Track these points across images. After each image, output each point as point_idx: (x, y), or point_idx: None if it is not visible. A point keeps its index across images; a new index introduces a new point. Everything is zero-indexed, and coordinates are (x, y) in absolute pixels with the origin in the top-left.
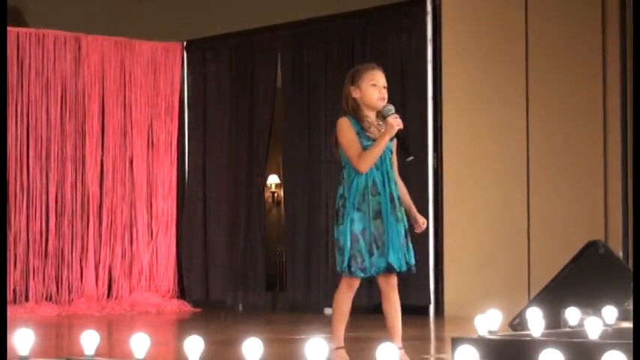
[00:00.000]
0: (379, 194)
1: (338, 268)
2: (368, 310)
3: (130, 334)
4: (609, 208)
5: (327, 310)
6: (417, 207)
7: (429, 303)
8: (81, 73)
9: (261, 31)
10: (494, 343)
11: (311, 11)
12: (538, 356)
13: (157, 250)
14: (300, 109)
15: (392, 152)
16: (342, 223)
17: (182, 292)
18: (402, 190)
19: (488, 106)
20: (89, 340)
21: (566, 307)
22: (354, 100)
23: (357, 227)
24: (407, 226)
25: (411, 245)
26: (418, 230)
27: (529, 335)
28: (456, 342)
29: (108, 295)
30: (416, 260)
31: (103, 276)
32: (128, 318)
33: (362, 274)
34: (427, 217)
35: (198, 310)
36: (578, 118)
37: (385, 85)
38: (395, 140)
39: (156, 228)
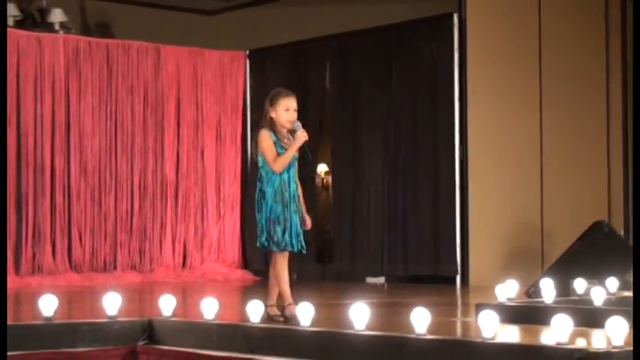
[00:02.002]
0: (287, 191)
1: (257, 244)
2: (403, 280)
3: (201, 298)
4: (612, 194)
5: (369, 279)
6: (445, 191)
7: (457, 274)
8: (160, 78)
9: (312, 42)
10: (512, 308)
11: (355, 24)
12: (550, 320)
13: (224, 227)
14: (346, 107)
15: (296, 161)
16: (261, 211)
17: (245, 263)
18: (299, 190)
19: (507, 105)
20: (167, 302)
21: (574, 278)
22: (271, 118)
23: (274, 214)
24: (300, 217)
25: (302, 230)
26: (306, 227)
27: (542, 302)
28: (479, 307)
29: (183, 265)
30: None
31: (179, 249)
32: (199, 285)
33: (276, 249)
34: (454, 200)
35: (258, 278)
36: (585, 115)
37: (295, 108)
38: (299, 150)
39: (223, 208)
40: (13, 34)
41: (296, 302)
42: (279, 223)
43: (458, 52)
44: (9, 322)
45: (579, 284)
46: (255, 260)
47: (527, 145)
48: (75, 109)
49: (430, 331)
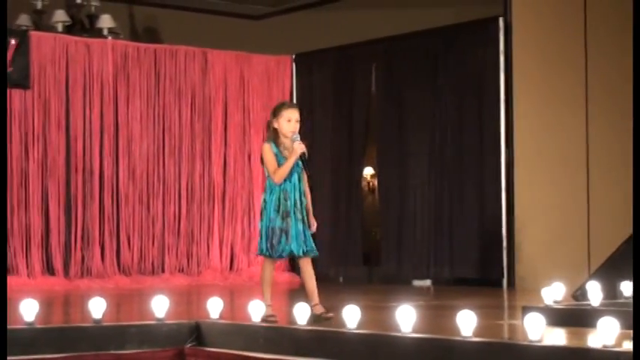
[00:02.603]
0: (288, 200)
1: (258, 252)
2: (449, 283)
3: (248, 300)
4: None
5: (416, 282)
6: (491, 193)
7: (503, 276)
8: (207, 82)
9: (358, 46)
10: (558, 311)
11: (401, 28)
12: (597, 323)
13: None
14: (391, 110)
15: (302, 169)
16: (263, 219)
17: (292, 266)
18: (307, 197)
19: (553, 108)
20: (214, 305)
21: (621, 280)
22: (274, 129)
23: (274, 223)
24: (306, 223)
25: (309, 235)
26: (312, 230)
27: (589, 305)
28: (525, 310)
29: (230, 268)
30: (316, 246)
31: (226, 252)
32: (247, 287)
33: (274, 256)
34: (500, 203)
35: None
36: (627, 115)
37: (297, 119)
38: (301, 161)
39: None
40: (63, 40)
41: (322, 304)
42: (277, 232)
43: (503, 56)
44: (59, 323)
45: (626, 287)
46: None
47: (574, 148)
48: (123, 114)
49: (476, 333)
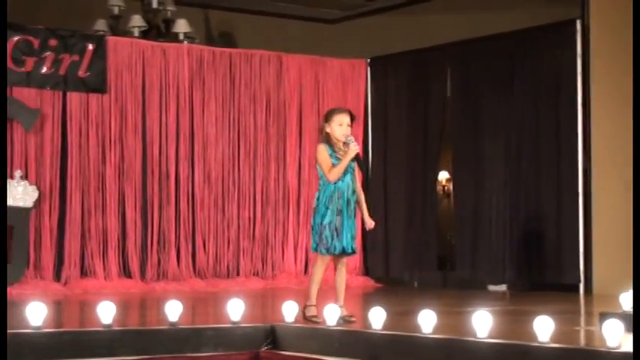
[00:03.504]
0: (341, 198)
1: (311, 247)
2: (525, 288)
3: (323, 304)
4: None
5: (492, 287)
6: (568, 198)
7: (579, 282)
8: (282, 86)
9: (433, 49)
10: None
11: (476, 32)
12: None
13: None
14: (467, 114)
15: (354, 170)
16: (315, 217)
17: (366, 270)
18: (360, 197)
19: (631, 112)
20: (289, 308)
21: None
22: (327, 132)
23: (326, 220)
24: (354, 221)
25: (354, 236)
26: (368, 227)
27: None
28: (603, 316)
29: (304, 272)
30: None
31: (301, 255)
32: (321, 292)
33: (325, 252)
34: (577, 208)
35: (379, 285)
36: None
37: (349, 123)
38: (355, 161)
39: None
40: (139, 45)
41: (346, 307)
42: (329, 229)
43: (581, 59)
44: (135, 326)
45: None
46: (376, 267)
47: None
48: (199, 118)
49: (553, 339)
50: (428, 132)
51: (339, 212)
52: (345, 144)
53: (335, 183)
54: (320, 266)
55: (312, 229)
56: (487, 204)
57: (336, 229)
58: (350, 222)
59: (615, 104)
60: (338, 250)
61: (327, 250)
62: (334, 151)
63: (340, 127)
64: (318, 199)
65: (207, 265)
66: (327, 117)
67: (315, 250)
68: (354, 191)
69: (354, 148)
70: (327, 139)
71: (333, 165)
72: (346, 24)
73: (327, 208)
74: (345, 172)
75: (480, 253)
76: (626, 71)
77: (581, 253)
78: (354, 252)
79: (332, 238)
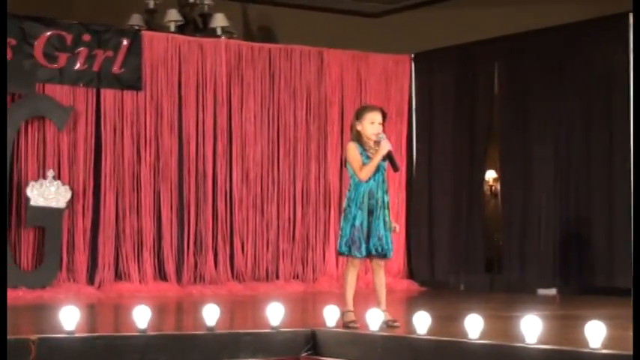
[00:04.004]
0: (373, 198)
1: (338, 250)
2: (576, 292)
3: (365, 309)
4: None
5: (541, 291)
6: (620, 199)
7: (632, 285)
8: (323, 82)
9: (480, 44)
10: None
11: (524, 25)
12: None
13: None
14: (515, 112)
15: (385, 169)
16: (346, 218)
17: (410, 273)
18: (387, 198)
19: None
20: (331, 313)
21: None
22: (358, 131)
23: (358, 221)
24: (388, 224)
25: (389, 236)
26: (395, 231)
27: None
28: None
29: None
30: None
31: (342, 258)
32: (363, 295)
33: (359, 255)
34: (629, 209)
35: (424, 288)
36: None
37: (380, 122)
38: (386, 160)
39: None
40: (175, 40)
41: (389, 311)
42: (361, 231)
43: (634, 54)
44: (171, 330)
45: None
46: (421, 270)
47: None
48: (237, 116)
49: (605, 345)
50: (474, 130)
51: (370, 213)
52: (376, 142)
53: (366, 182)
54: (351, 270)
55: (341, 230)
56: (536, 204)
57: (367, 231)
58: (380, 222)
59: None
60: (366, 253)
61: (359, 252)
62: (365, 149)
63: (372, 125)
64: (348, 199)
65: (245, 268)
66: (358, 115)
67: (345, 253)
68: (385, 191)
69: (386, 146)
70: (358, 138)
71: (364, 164)
72: (389, 18)
73: (358, 209)
74: (376, 172)
75: (529, 255)
76: None
77: (634, 256)
78: (384, 254)
79: (366, 241)
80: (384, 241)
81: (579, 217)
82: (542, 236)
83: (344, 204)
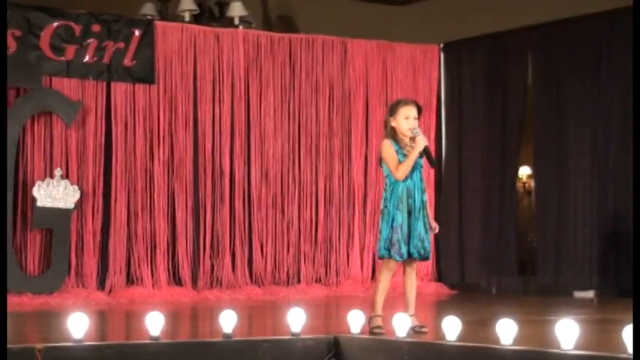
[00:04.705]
0: (411, 198)
1: (378, 254)
2: (614, 294)
3: (392, 313)
4: None
5: (577, 294)
6: None
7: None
8: (347, 74)
9: (512, 33)
10: None
11: (559, 12)
12: None
13: None
14: (550, 104)
15: (422, 166)
16: (384, 220)
17: (439, 275)
18: (425, 197)
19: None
20: (355, 318)
21: None
22: (392, 127)
23: (397, 222)
24: (427, 224)
25: (428, 237)
26: (435, 231)
27: None
28: None
29: (372, 278)
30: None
31: (368, 260)
32: (389, 299)
33: (399, 258)
34: None
35: (454, 292)
36: None
37: (416, 116)
38: (423, 156)
39: None
40: (190, 30)
41: (417, 316)
42: (401, 232)
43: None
44: (186, 338)
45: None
46: (450, 273)
47: None
48: (255, 110)
49: None
50: (506, 123)
51: (410, 213)
52: (412, 138)
53: (403, 181)
54: (387, 274)
55: (380, 233)
56: (572, 202)
57: (408, 233)
58: (420, 223)
59: None
60: (407, 256)
61: (400, 255)
62: (400, 147)
63: (407, 120)
64: (385, 199)
65: (264, 272)
66: (392, 110)
67: (385, 256)
68: (423, 190)
69: (422, 141)
70: (393, 134)
71: (400, 162)
72: (417, 5)
73: (397, 209)
74: (413, 169)
75: (565, 256)
76: None
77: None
78: (426, 256)
79: (403, 243)
80: (425, 243)
81: (617, 215)
82: (578, 236)
83: (381, 205)
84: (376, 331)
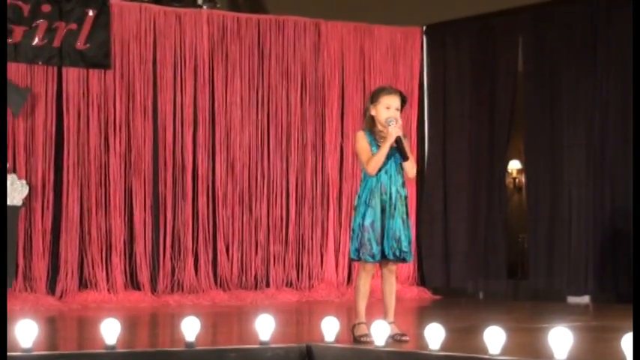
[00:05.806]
0: (385, 193)
1: (350, 256)
2: (611, 300)
3: (370, 321)
4: None
5: (571, 299)
6: None
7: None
8: (320, 59)
9: (501, 15)
10: None
11: None
12: None
13: None
14: (543, 93)
15: (399, 160)
16: (355, 217)
17: (422, 279)
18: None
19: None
20: (329, 325)
21: None
22: (371, 116)
23: (367, 221)
24: (406, 222)
25: (408, 236)
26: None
27: None
28: None
29: (347, 282)
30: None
31: (343, 262)
32: (368, 304)
33: (371, 260)
34: None
35: (437, 297)
36: None
37: (398, 107)
38: (398, 150)
39: None
40: (149, 10)
41: (397, 324)
42: (372, 231)
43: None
44: (145, 347)
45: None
46: (434, 276)
47: None
48: (221, 98)
49: None
50: (495, 114)
51: (383, 210)
52: (386, 126)
53: (377, 176)
54: (365, 276)
55: (352, 232)
56: (566, 199)
57: (380, 232)
58: (395, 222)
59: None
60: (380, 257)
61: (372, 256)
62: (375, 138)
63: (387, 110)
64: (359, 196)
65: (230, 275)
66: (374, 97)
67: (355, 257)
68: (402, 184)
69: (394, 132)
70: (371, 124)
71: (373, 154)
72: None
73: (367, 206)
74: (387, 163)
75: (558, 258)
76: None
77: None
78: (402, 258)
79: (375, 242)
80: (402, 243)
81: (615, 213)
82: (573, 236)
83: (354, 202)
84: (363, 339)
